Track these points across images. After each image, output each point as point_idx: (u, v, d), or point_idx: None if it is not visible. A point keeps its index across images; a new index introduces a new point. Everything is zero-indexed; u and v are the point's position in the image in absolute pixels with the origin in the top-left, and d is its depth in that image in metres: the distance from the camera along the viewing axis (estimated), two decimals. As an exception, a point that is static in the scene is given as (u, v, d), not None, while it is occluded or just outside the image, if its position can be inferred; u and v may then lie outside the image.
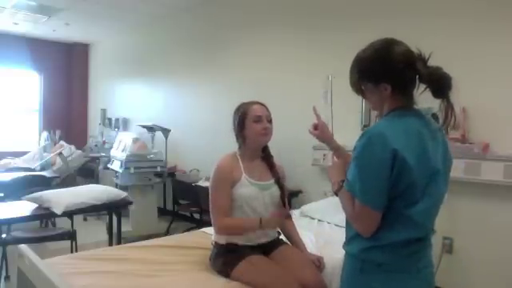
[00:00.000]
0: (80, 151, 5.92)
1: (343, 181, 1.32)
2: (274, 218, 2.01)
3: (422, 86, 1.24)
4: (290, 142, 3.64)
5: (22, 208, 2.89)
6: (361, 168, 1.22)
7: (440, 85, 1.20)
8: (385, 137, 1.17)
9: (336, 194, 1.36)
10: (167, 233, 4.50)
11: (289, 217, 2.21)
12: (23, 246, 2.03)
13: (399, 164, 1.16)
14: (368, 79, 1.30)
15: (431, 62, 1.23)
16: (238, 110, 2.11)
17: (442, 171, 1.27)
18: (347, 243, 1.34)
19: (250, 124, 2.04)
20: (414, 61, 1.22)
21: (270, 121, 2.09)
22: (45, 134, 6.64)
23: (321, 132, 1.61)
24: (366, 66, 1.30)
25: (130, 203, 3.35)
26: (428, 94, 1.24)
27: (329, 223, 2.95)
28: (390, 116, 1.27)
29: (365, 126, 3.23)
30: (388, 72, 1.25)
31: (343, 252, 1.37)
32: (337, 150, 1.61)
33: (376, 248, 1.24)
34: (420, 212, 1.21)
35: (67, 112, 8.02)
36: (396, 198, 1.20)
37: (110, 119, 7.01)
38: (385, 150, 1.16)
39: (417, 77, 1.23)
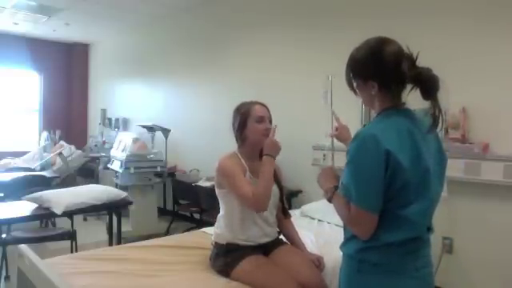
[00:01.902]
0: (80, 151, 5.92)
1: (335, 187, 1.32)
2: (269, 143, 1.93)
3: (412, 86, 1.23)
4: (290, 141, 3.61)
5: (22, 208, 2.90)
6: (355, 171, 1.22)
7: (427, 86, 1.19)
8: (377, 138, 1.17)
9: (329, 200, 1.35)
10: (167, 233, 4.50)
11: (288, 215, 2.22)
12: (23, 246, 2.03)
13: (393, 165, 1.16)
14: (358, 76, 1.32)
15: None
16: (238, 109, 2.09)
17: (437, 170, 1.27)
18: (344, 244, 1.35)
19: (252, 124, 2.02)
20: (403, 60, 1.22)
21: (270, 121, 2.08)
22: (45, 134, 6.63)
23: (339, 133, 1.84)
24: (357, 64, 1.31)
25: (130, 203, 3.35)
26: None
27: (329, 223, 2.95)
28: (381, 116, 1.28)
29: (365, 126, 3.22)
30: (376, 70, 1.26)
31: (342, 252, 1.37)
32: None
33: (372, 248, 1.23)
34: (416, 212, 1.21)
35: (67, 112, 8.01)
36: (390, 199, 1.20)
37: (110, 119, 7.01)
38: (378, 151, 1.16)
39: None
